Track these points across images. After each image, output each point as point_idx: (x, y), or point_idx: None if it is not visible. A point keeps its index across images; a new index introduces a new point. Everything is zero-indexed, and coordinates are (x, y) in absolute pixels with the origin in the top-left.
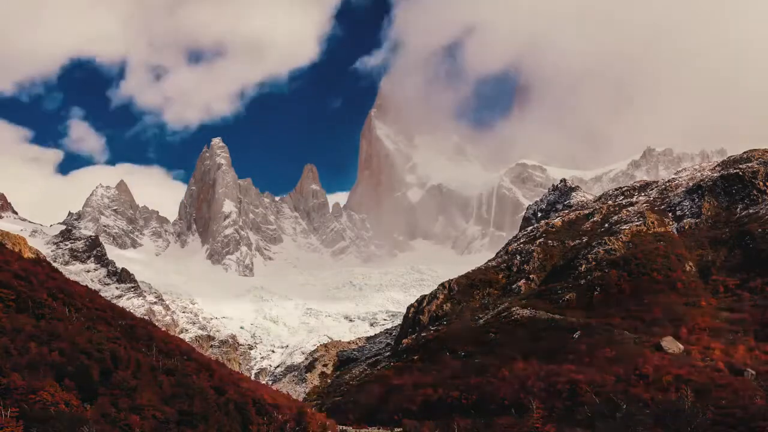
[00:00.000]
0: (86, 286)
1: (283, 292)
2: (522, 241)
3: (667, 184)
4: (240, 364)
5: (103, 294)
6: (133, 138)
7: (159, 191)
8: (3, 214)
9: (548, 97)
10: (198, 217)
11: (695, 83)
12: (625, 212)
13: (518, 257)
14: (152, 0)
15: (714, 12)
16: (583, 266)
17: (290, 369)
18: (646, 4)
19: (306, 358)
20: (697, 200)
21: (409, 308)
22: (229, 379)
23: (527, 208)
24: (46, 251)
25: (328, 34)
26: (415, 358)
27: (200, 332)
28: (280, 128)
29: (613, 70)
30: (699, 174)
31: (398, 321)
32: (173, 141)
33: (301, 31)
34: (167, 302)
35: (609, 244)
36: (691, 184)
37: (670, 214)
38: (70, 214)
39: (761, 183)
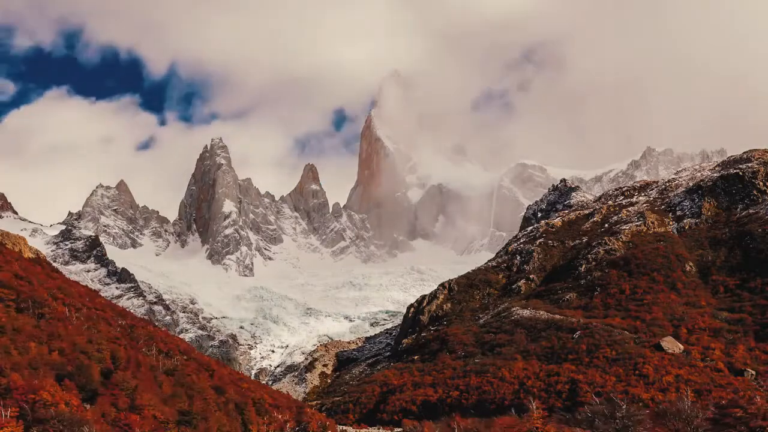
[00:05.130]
0: (86, 286)
1: (283, 292)
2: (522, 241)
3: (667, 184)
4: (240, 364)
5: (103, 294)
6: None
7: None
8: (3, 214)
9: (549, 99)
10: (198, 217)
11: (697, 83)
12: (625, 212)
13: (518, 257)
14: None
15: (717, 13)
16: (583, 266)
17: (290, 369)
18: (650, 5)
19: (306, 358)
20: (697, 200)
21: (409, 308)
22: (229, 379)
23: (527, 208)
24: (46, 251)
25: None
26: (415, 358)
27: (200, 332)
28: None
29: (615, 72)
30: (699, 174)
31: (398, 321)
32: None
33: None
34: (167, 302)
35: (609, 244)
36: (691, 184)
37: (670, 214)
38: (70, 214)
39: (761, 183)
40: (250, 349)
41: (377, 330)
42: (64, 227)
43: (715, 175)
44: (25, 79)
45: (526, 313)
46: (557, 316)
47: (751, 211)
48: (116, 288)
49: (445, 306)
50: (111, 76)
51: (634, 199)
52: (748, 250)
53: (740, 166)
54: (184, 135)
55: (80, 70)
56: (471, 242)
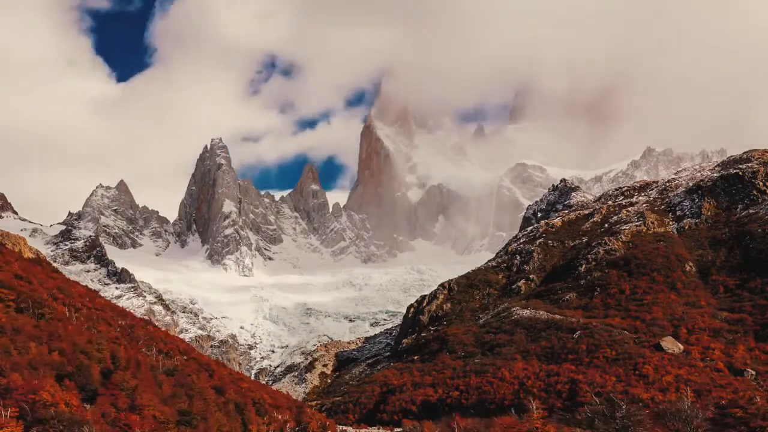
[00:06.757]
0: (86, 286)
1: (283, 292)
2: (522, 241)
3: (667, 184)
4: (240, 364)
5: (103, 294)
6: None
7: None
8: (3, 214)
9: (548, 98)
10: (198, 217)
11: (696, 83)
12: (625, 212)
13: (518, 257)
14: None
15: (717, 12)
16: (583, 266)
17: (290, 369)
18: (650, 4)
19: (306, 358)
20: (697, 200)
21: (409, 308)
22: (229, 379)
23: (527, 208)
24: (46, 251)
25: None
26: (415, 358)
27: (200, 332)
28: None
29: (614, 71)
30: (699, 174)
31: (398, 321)
32: None
33: None
34: (167, 302)
35: (609, 244)
36: (691, 184)
37: (670, 214)
38: (70, 214)
39: (761, 183)
40: (250, 349)
41: (377, 330)
42: (64, 227)
43: (715, 175)
44: None
45: (526, 313)
46: (557, 316)
47: (751, 211)
48: (116, 288)
49: (445, 306)
50: None
51: (634, 199)
52: (748, 250)
53: (740, 166)
54: None
55: None
56: (471, 242)
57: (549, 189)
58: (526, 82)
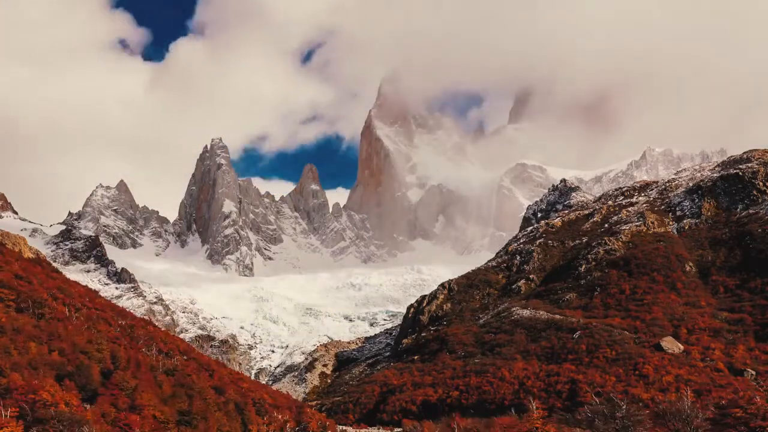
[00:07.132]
0: (86, 286)
1: (283, 292)
2: (522, 241)
3: (667, 184)
4: (240, 364)
5: (103, 294)
6: None
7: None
8: (3, 214)
9: (548, 99)
10: (198, 217)
11: (697, 84)
12: (625, 212)
13: (518, 257)
14: None
15: (718, 13)
16: (583, 266)
17: (290, 369)
18: (652, 4)
19: (306, 358)
20: (697, 200)
21: (409, 308)
22: (228, 379)
23: (527, 208)
24: (46, 251)
25: None
26: (415, 358)
27: (200, 332)
28: None
29: (615, 71)
30: (699, 174)
31: (398, 321)
32: None
33: None
34: (167, 302)
35: (609, 244)
36: (691, 184)
37: (670, 215)
38: (70, 214)
39: (761, 183)
40: (250, 349)
41: (377, 330)
42: (64, 227)
43: (715, 175)
44: None
45: (526, 313)
46: (557, 316)
47: (751, 211)
48: (116, 288)
49: (445, 306)
50: None
51: (634, 199)
52: (748, 250)
53: (740, 166)
54: None
55: None
56: (471, 242)
57: (549, 189)
58: (527, 80)
